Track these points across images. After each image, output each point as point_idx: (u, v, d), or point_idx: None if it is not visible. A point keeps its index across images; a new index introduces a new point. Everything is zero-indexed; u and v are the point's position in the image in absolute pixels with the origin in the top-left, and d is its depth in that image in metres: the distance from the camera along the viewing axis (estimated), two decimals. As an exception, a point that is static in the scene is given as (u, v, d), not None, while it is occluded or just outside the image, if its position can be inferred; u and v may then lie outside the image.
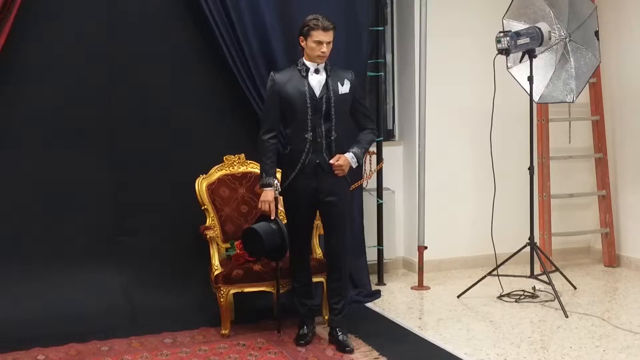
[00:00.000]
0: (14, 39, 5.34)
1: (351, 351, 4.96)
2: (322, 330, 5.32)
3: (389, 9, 6.95)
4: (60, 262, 5.62)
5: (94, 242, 5.73)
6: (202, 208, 5.58)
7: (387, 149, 6.81)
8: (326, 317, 5.41)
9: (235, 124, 5.94)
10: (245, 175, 5.72)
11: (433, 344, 5.15)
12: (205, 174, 5.66)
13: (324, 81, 4.99)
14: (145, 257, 5.82)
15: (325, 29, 4.92)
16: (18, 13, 5.27)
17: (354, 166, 5.11)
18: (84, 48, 5.63)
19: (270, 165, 5.01)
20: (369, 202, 6.58)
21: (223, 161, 5.73)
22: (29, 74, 5.55)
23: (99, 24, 5.64)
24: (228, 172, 5.71)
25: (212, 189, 5.62)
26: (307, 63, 5.00)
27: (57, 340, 5.14)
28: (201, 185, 5.59)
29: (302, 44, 5.00)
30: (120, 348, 5.09)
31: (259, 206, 5.07)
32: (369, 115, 5.28)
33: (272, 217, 5.01)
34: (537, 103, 6.33)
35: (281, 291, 5.37)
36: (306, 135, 4.96)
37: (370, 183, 6.58)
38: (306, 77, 4.98)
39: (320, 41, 4.92)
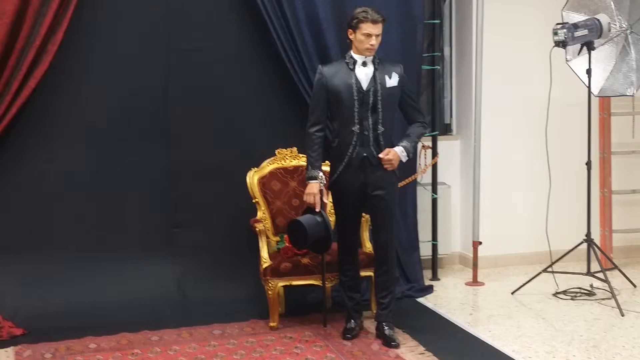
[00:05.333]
0: (72, 34, 5.41)
1: (397, 346, 4.93)
2: (371, 325, 5.29)
3: (447, 2, 6.86)
4: (114, 252, 5.71)
5: (147, 234, 5.82)
6: (253, 201, 5.60)
7: (444, 144, 6.75)
8: (374, 312, 5.38)
9: (288, 118, 5.93)
10: (296, 168, 5.71)
11: (481, 340, 5.09)
12: (258, 167, 5.69)
13: (371, 74, 4.95)
14: (198, 249, 5.89)
15: (374, 22, 4.88)
16: (76, 8, 5.35)
17: (404, 160, 5.08)
18: (140, 44, 5.70)
19: (316, 158, 5.00)
20: (424, 197, 6.52)
21: (275, 154, 5.75)
22: (87, 70, 5.63)
23: (155, 20, 5.71)
24: (280, 165, 5.72)
25: (263, 182, 5.63)
26: (355, 56, 4.97)
27: (109, 330, 5.23)
28: (252, 178, 5.61)
29: (351, 37, 4.97)
30: (169, 338, 5.15)
31: (304, 199, 5.08)
32: (418, 108, 5.24)
33: (317, 210, 5.01)
34: (596, 96, 6.17)
35: (329, 285, 5.37)
36: (353, 128, 4.94)
37: (425, 177, 6.52)
38: (353, 69, 4.95)
39: (369, 34, 4.88)
